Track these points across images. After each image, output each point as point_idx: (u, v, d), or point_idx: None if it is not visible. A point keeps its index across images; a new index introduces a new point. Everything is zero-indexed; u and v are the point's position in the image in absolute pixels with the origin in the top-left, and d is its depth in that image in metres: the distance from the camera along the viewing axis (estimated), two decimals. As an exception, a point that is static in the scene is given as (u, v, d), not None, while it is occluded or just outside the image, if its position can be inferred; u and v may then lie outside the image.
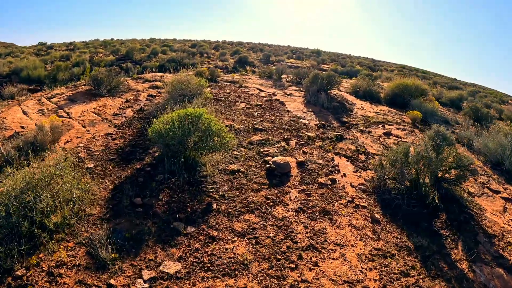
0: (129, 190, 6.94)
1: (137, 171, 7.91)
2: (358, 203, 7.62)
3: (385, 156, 8.74)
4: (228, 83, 17.31)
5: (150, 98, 13.68)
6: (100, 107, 11.81)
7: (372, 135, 12.07)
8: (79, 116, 10.88)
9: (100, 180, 7.45)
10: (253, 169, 8.59)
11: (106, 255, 5.10)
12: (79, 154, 8.50)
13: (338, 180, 8.58)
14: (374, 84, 18.94)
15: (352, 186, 8.43)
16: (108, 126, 10.41)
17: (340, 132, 11.71)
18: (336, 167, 9.29)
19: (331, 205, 7.45)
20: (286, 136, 10.64)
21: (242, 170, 8.48)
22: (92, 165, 7.99)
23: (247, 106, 13.31)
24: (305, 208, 7.23)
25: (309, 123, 12.29)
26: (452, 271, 5.65)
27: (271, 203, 7.28)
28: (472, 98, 27.76)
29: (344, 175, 8.93)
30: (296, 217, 6.85)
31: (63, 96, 12.86)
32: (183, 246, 5.69)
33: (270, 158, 9.04)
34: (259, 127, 11.11)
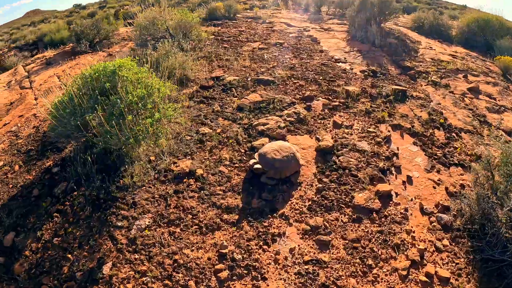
0: (9, 216, 4.04)
1: (43, 174, 4.69)
2: (437, 271, 3.11)
3: (494, 158, 3.83)
4: (249, 20, 12.08)
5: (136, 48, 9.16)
6: (70, 68, 7.99)
7: (452, 92, 6.71)
8: (40, 85, 8.16)
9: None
10: (223, 168, 3.96)
11: None
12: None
13: (397, 196, 3.85)
14: (442, 18, 12.77)
15: (424, 212, 3.79)
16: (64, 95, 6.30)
17: (401, 85, 6.48)
18: (394, 160, 4.40)
19: (379, 281, 2.78)
20: (308, 93, 5.66)
21: (200, 172, 3.92)
22: (1, 163, 5.17)
23: (261, 46, 8.26)
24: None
25: (351, 69, 7.13)
26: None
27: (228, 277, 2.75)
28: None
29: (408, 180, 4.16)
30: None
31: (42, 61, 10.11)
32: None
33: (260, 143, 4.29)
34: (266, 77, 6.19)
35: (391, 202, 3.79)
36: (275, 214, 3.49)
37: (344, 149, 4.38)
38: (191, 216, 3.45)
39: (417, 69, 7.57)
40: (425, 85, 6.85)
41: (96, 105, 3.89)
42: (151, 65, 5.02)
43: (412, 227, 3.56)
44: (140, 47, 7.21)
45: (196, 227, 3.37)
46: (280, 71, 6.57)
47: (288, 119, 4.87)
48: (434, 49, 9.56)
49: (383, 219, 3.56)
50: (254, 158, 3.86)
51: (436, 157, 4.68)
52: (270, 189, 3.73)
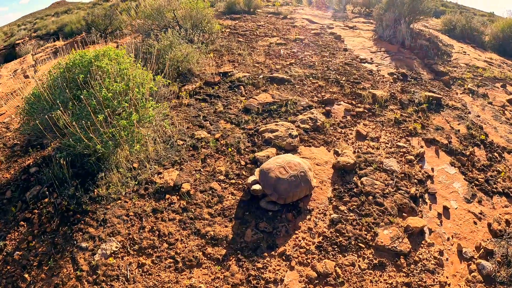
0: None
1: (21, 174, 3.94)
2: None
3: None
4: (269, 15, 11.11)
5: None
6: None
7: (491, 103, 5.65)
8: (43, 75, 6.57)
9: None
10: (215, 185, 3.10)
11: None
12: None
13: (430, 234, 2.98)
14: (474, 22, 11.48)
15: (462, 257, 2.92)
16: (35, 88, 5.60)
17: (435, 92, 5.45)
18: (428, 184, 3.46)
19: None
20: (328, 95, 4.71)
21: (186, 188, 3.07)
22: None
23: (278, 41, 7.30)
24: None
25: (378, 71, 6.12)
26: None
27: None
28: None
29: (445, 212, 3.28)
30: None
31: (51, 50, 9.54)
32: None
33: (264, 155, 3.38)
34: (280, 75, 5.27)
35: (423, 242, 2.85)
36: (273, 252, 2.61)
37: (369, 168, 3.43)
38: (167, 245, 2.62)
39: (452, 75, 6.49)
40: (461, 94, 5.78)
41: (69, 101, 3.11)
42: (153, 59, 4.22)
43: (447, 278, 2.63)
44: (146, 38, 6.39)
45: (171, 260, 2.53)
46: (297, 69, 5.63)
47: (302, 125, 3.94)
48: (468, 54, 8.42)
49: (412, 266, 2.63)
50: (254, 175, 2.97)
51: (477, 183, 3.70)
52: (270, 218, 2.84)
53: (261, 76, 5.16)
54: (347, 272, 2.52)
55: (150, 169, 3.28)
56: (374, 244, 2.73)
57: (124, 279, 2.45)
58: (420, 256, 2.71)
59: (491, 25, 13.22)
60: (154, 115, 3.24)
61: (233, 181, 3.15)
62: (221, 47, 6.63)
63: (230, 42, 6.97)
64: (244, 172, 3.25)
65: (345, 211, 2.95)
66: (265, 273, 2.47)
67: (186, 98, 4.64)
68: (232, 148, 3.55)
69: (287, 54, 6.42)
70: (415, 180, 3.44)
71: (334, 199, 3.07)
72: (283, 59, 6.11)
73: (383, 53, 7.25)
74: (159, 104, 3.52)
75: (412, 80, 5.95)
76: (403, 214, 3.02)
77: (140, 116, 3.06)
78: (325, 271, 2.49)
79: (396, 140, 4.03)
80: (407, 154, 3.79)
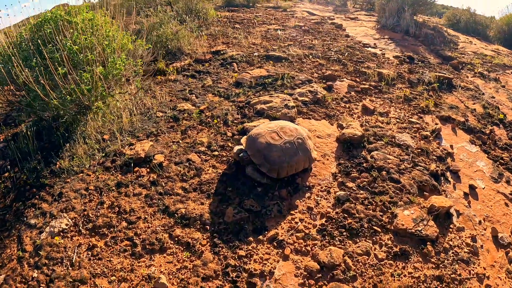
0: None
1: None
2: None
3: None
4: (268, 9, 10.60)
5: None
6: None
7: (504, 86, 5.06)
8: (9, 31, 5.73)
9: None
10: (194, 156, 2.49)
11: None
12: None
13: (458, 217, 2.32)
14: (478, 16, 11.01)
15: (499, 243, 2.25)
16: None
17: (444, 73, 4.85)
18: (449, 162, 2.84)
19: None
20: (330, 72, 4.10)
21: (159, 159, 2.45)
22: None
23: (276, 28, 6.74)
24: None
25: (383, 54, 5.53)
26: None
27: None
28: None
29: (472, 192, 2.58)
30: None
31: None
32: None
33: (254, 126, 2.78)
34: (277, 53, 4.69)
35: (451, 226, 2.23)
36: (261, 237, 1.99)
37: (379, 142, 2.83)
38: (126, 224, 2.02)
39: (460, 60, 5.90)
40: (472, 77, 5.20)
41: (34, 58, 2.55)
42: (144, 35, 3.67)
43: (484, 269, 2.01)
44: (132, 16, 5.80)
45: (128, 243, 1.93)
46: (296, 49, 5.06)
47: (300, 98, 3.35)
48: (475, 44, 7.88)
49: (442, 255, 2.02)
50: (241, 145, 2.38)
51: (502, 161, 3.10)
52: (259, 195, 2.21)
53: (256, 54, 4.58)
54: (360, 264, 1.89)
55: (122, 141, 2.69)
56: (392, 227, 2.11)
57: (68, 263, 1.85)
58: (450, 242, 2.09)
59: (494, 20, 12.77)
60: (123, 69, 2.67)
61: (216, 153, 2.55)
62: (216, 32, 6.07)
63: (226, 28, 6.41)
64: (230, 144, 2.64)
65: (353, 188, 2.34)
66: (249, 263, 1.85)
67: (173, 74, 4.07)
68: (218, 120, 2.94)
69: (286, 37, 5.86)
70: (434, 157, 2.84)
71: (339, 174, 2.45)
72: (281, 42, 5.54)
73: (387, 40, 6.67)
74: (131, 60, 2.94)
75: (419, 62, 5.36)
76: (424, 193, 2.41)
77: (107, 70, 2.48)
78: (331, 262, 1.87)
79: (408, 116, 3.44)
80: (422, 130, 3.19)
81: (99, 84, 2.50)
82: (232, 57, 4.52)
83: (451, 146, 3.12)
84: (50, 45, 2.63)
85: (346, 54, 5.11)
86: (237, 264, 1.83)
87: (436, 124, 3.44)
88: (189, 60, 4.51)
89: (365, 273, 1.84)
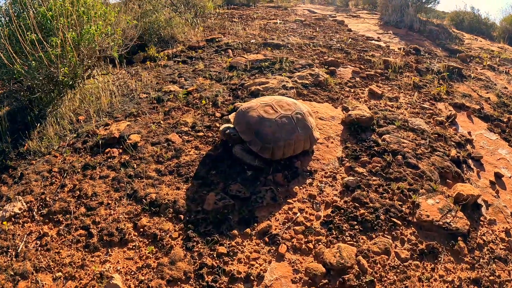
0: None
1: None
2: None
3: None
4: (269, 8, 10.30)
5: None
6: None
7: (514, 78, 4.70)
8: None
9: None
10: (174, 137, 2.10)
11: None
12: None
13: (488, 208, 1.87)
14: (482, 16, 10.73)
15: None
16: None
17: (452, 63, 4.45)
18: (469, 148, 2.42)
19: None
20: (332, 59, 3.69)
21: (134, 139, 2.04)
22: None
23: (275, 21, 6.37)
24: None
25: (387, 46, 5.14)
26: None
27: None
28: None
29: (498, 181, 2.09)
30: None
31: None
32: None
33: (243, 104, 2.37)
34: (276, 41, 4.31)
35: (482, 219, 1.82)
36: (249, 230, 1.58)
37: (390, 126, 2.42)
38: (84, 210, 1.61)
39: (468, 54, 5.53)
40: (481, 69, 4.83)
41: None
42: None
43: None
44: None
45: (83, 232, 1.52)
46: (296, 38, 4.68)
47: (300, 81, 2.94)
48: (480, 41, 7.56)
49: (476, 253, 1.60)
50: (230, 122, 1.98)
51: (524, 150, 2.70)
52: (248, 179, 1.80)
53: (253, 41, 4.20)
54: (378, 265, 1.47)
55: (97, 122, 2.29)
56: (415, 219, 1.70)
57: (13, 253, 1.45)
58: (484, 237, 1.68)
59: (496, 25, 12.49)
60: (97, 35, 2.28)
61: (200, 133, 2.15)
62: (214, 24, 5.70)
63: (223, 21, 6.05)
64: (217, 125, 2.24)
65: (364, 173, 1.93)
66: (231, 264, 1.43)
67: (164, 60, 3.68)
68: (207, 101, 2.54)
69: (285, 29, 5.49)
70: (453, 143, 2.43)
71: (346, 159, 2.04)
72: (281, 33, 5.16)
73: (391, 34, 6.29)
74: (110, 27, 2.55)
75: (426, 54, 4.98)
76: (447, 180, 2.00)
77: (79, 37, 2.10)
78: (340, 263, 1.44)
79: (418, 101, 3.03)
80: (436, 116, 2.79)
81: (70, 54, 2.12)
82: (228, 44, 4.13)
83: (469, 133, 2.72)
84: (24, 13, 2.27)
85: (349, 43, 4.73)
86: (215, 265, 1.41)
87: (450, 111, 3.04)
88: (181, 47, 4.13)
89: (386, 278, 1.42)
